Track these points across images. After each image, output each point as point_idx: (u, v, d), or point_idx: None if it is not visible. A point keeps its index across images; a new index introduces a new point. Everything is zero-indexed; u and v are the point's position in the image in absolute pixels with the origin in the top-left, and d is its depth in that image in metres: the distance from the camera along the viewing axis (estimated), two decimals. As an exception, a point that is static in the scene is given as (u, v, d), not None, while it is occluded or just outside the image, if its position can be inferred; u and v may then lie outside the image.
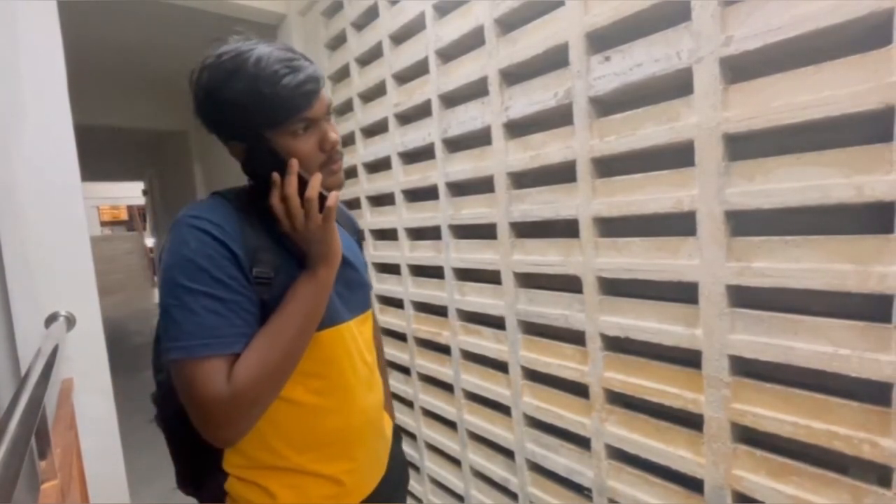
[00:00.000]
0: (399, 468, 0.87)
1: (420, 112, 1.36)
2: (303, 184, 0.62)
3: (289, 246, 0.66)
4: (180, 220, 0.61)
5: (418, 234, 1.48)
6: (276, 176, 0.62)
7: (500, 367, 1.22)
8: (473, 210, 1.23)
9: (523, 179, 1.11)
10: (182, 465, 0.73)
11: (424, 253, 1.42)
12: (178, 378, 0.57)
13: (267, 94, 0.59)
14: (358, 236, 0.90)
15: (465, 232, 1.30)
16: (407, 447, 1.63)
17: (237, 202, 0.66)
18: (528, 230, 1.12)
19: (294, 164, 0.62)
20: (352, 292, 0.75)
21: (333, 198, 0.63)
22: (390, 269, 1.61)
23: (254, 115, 0.60)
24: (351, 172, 1.73)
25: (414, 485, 1.63)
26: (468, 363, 1.32)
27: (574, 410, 1.05)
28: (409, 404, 1.60)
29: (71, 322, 1.14)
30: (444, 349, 1.40)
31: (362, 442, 0.74)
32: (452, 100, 1.26)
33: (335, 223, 0.65)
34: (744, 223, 0.76)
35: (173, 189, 5.60)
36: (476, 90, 1.17)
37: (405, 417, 1.62)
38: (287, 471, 0.68)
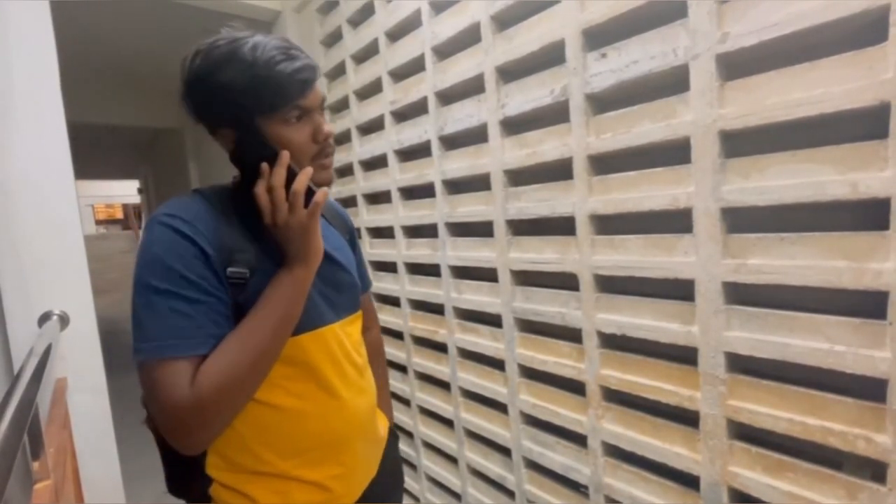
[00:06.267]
0: (393, 470, 0.84)
1: (416, 109, 1.36)
2: (291, 177, 0.60)
3: (268, 247, 0.63)
4: (154, 218, 0.59)
5: (415, 231, 1.47)
6: (264, 166, 0.60)
7: (497, 364, 1.22)
8: (470, 208, 1.23)
9: (520, 177, 1.11)
10: (169, 468, 0.71)
11: (421, 251, 1.42)
12: (142, 380, 0.56)
13: (262, 78, 0.58)
14: (351, 236, 0.87)
15: (462, 230, 1.29)
16: (404, 445, 1.63)
17: (217, 200, 0.64)
18: (524, 228, 1.12)
19: (285, 156, 0.60)
20: (339, 293, 0.73)
21: (322, 194, 0.61)
22: (387, 267, 1.60)
23: (247, 99, 0.59)
24: (347, 170, 1.72)
25: (411, 483, 1.63)
26: (465, 361, 1.32)
27: (570, 408, 1.05)
28: (405, 402, 1.60)
29: (65, 321, 1.13)
30: (440, 347, 1.40)
31: (350, 446, 0.71)
32: (449, 97, 1.26)
33: (322, 222, 0.63)
34: (740, 220, 0.76)
35: (168, 187, 5.57)
36: (472, 87, 1.16)
37: (402, 416, 1.62)
38: (270, 476, 0.65)
